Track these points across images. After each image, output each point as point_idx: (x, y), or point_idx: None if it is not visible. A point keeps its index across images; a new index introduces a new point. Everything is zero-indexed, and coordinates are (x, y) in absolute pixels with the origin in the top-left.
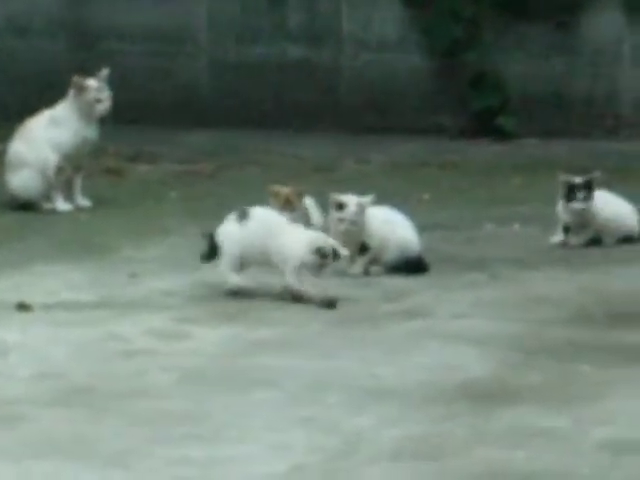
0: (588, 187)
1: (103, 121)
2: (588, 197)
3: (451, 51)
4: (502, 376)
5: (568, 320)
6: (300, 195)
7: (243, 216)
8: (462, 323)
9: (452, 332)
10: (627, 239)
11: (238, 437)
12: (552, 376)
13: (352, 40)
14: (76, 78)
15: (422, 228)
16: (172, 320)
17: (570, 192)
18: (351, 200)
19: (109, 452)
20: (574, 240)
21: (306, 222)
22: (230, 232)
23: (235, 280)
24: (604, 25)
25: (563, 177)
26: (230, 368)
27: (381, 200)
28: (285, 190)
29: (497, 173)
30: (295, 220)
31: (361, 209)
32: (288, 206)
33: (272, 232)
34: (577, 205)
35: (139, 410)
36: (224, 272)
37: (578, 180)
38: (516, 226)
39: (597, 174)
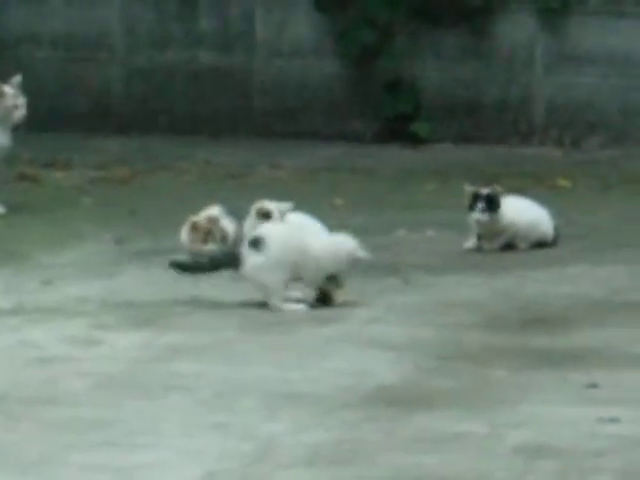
0: (489, 199)
1: (16, 127)
2: (488, 209)
3: (364, 57)
4: (416, 381)
5: (482, 325)
6: (215, 220)
7: (256, 244)
8: (376, 328)
9: (366, 337)
10: (541, 244)
11: (152, 443)
12: (466, 381)
13: (265, 45)
14: None
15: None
16: (86, 326)
17: (472, 202)
18: (274, 208)
19: (23, 459)
20: (487, 245)
21: (223, 238)
22: (259, 263)
23: (294, 307)
24: (517, 30)
25: (467, 187)
26: (144, 374)
27: (295, 206)
28: (202, 221)
29: (411, 178)
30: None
31: (282, 217)
32: (210, 237)
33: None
34: (476, 215)
35: (53, 417)
36: (276, 306)
37: (479, 191)
38: (430, 231)
39: (497, 188)
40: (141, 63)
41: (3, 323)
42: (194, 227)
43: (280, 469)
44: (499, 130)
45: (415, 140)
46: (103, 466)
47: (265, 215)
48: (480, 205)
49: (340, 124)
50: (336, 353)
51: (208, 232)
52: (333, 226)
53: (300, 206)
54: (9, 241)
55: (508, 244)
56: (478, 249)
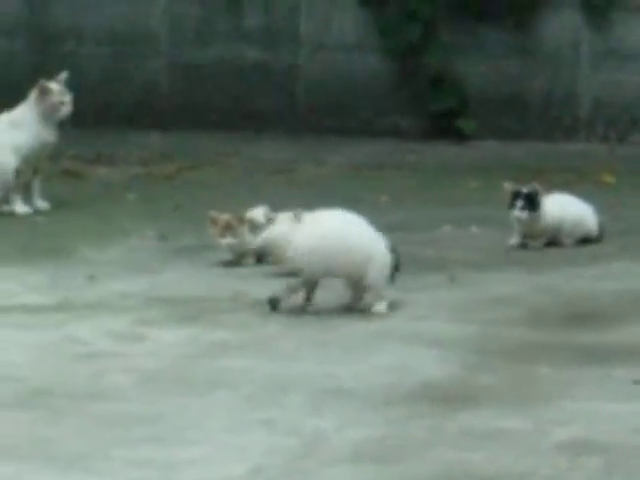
0: (529, 198)
1: (62, 124)
2: (527, 207)
3: (409, 52)
4: (461, 378)
5: (527, 321)
6: (241, 220)
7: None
8: (421, 325)
9: (411, 333)
10: (586, 240)
11: (197, 439)
12: (510, 377)
13: (310, 41)
14: (41, 81)
15: (380, 229)
16: (131, 322)
17: (512, 200)
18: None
19: (69, 454)
20: (532, 242)
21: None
22: None
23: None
24: (562, 26)
25: (507, 185)
26: (189, 370)
27: (340, 202)
28: (224, 216)
29: (455, 175)
30: (235, 246)
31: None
32: (228, 231)
33: None
34: (516, 214)
35: (98, 412)
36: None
37: (519, 189)
38: (474, 228)
39: (536, 186)
40: (186, 59)
41: (49, 319)
42: (213, 221)
43: (325, 465)
44: (544, 126)
45: (460, 136)
46: (148, 461)
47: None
48: (519, 203)
49: (385, 120)
50: (381, 349)
51: (226, 226)
52: (378, 222)
53: (346, 202)
54: (54, 237)
55: (553, 241)
56: (522, 246)
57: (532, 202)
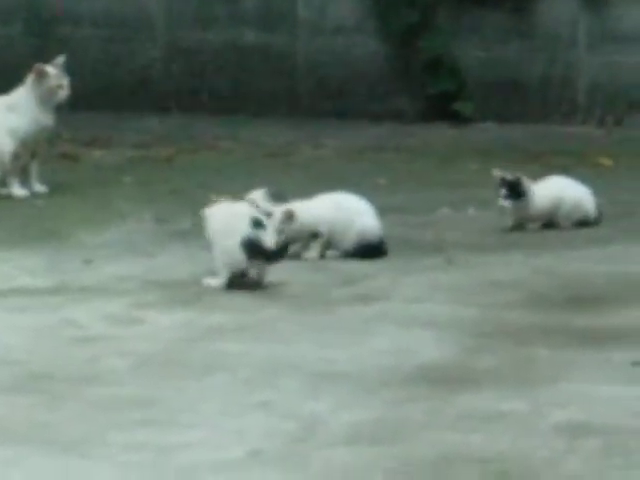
0: (512, 186)
1: (59, 107)
2: (510, 196)
3: (407, 35)
4: (459, 360)
5: (524, 303)
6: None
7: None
8: (418, 307)
9: (408, 316)
10: (583, 223)
11: (194, 422)
12: (509, 359)
13: (308, 24)
14: (37, 65)
15: (378, 212)
16: (127, 306)
17: (498, 188)
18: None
19: (66, 438)
20: (529, 224)
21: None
22: None
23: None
24: (559, 10)
25: (496, 172)
26: (185, 353)
27: (338, 185)
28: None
29: (453, 157)
30: None
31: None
32: None
33: None
34: (499, 202)
35: (95, 396)
36: None
37: (504, 177)
38: (472, 210)
39: (520, 175)
40: (183, 42)
41: (45, 302)
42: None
43: (322, 448)
44: (542, 109)
45: (458, 119)
46: (145, 445)
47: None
48: (502, 191)
49: (383, 103)
50: (378, 332)
51: None
52: (376, 205)
53: (343, 185)
54: (50, 220)
55: (550, 223)
56: (519, 228)
57: (515, 190)
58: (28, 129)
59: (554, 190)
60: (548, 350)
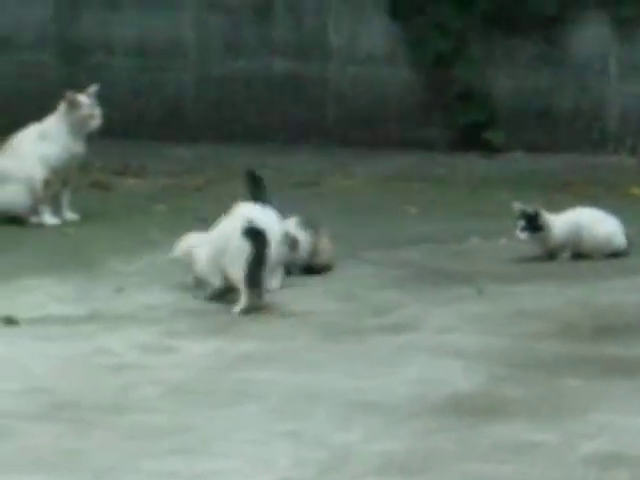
0: (529, 219)
1: (90, 135)
2: (528, 228)
3: (438, 65)
4: (489, 390)
5: (555, 334)
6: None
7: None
8: (448, 337)
9: (438, 346)
10: (614, 254)
11: (224, 451)
12: (539, 390)
13: (339, 53)
14: (69, 93)
15: (409, 241)
16: (158, 334)
17: (516, 220)
18: None
19: (95, 467)
20: (560, 254)
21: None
22: None
23: None
24: (590, 39)
25: (516, 205)
26: (216, 381)
27: (368, 214)
28: None
29: (484, 187)
30: None
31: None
32: None
33: None
34: (516, 234)
35: (125, 424)
36: None
37: (523, 210)
38: (503, 240)
39: (539, 208)
40: (214, 71)
41: (76, 330)
42: None
43: (353, 478)
44: (572, 139)
45: (488, 148)
46: (175, 473)
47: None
48: (520, 224)
49: (413, 132)
50: (408, 362)
51: None
52: (406, 234)
53: (373, 214)
54: (81, 248)
55: (580, 254)
56: (551, 258)
57: (533, 223)
58: (59, 157)
59: (574, 222)
60: (578, 380)
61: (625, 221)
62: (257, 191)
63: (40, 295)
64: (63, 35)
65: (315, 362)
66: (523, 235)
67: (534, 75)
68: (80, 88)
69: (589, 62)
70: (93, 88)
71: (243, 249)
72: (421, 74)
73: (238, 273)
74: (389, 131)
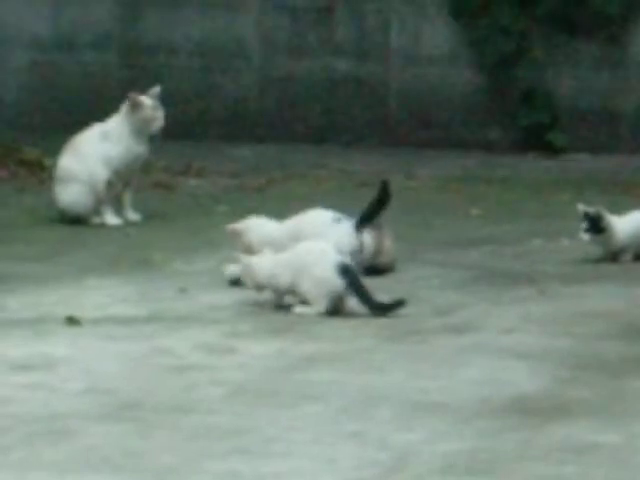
0: (591, 220)
1: (153, 136)
2: (590, 229)
3: (501, 65)
4: (552, 391)
5: (619, 335)
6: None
7: None
8: (512, 338)
9: (501, 347)
10: None
11: (286, 452)
12: (603, 391)
13: (400, 54)
14: (132, 94)
15: (471, 243)
16: (221, 335)
17: (580, 221)
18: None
19: (158, 467)
20: (622, 256)
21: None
22: None
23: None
24: None
25: (580, 206)
26: (279, 382)
27: (430, 215)
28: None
29: (546, 188)
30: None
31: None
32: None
33: None
34: (580, 235)
35: (188, 425)
36: None
37: (587, 211)
38: (565, 241)
39: (601, 209)
40: (277, 72)
41: (139, 331)
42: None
43: (416, 479)
44: (635, 140)
45: (551, 150)
46: (237, 474)
47: None
48: (583, 225)
49: (476, 133)
50: (471, 362)
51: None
52: (468, 235)
53: (435, 215)
54: (144, 249)
55: None
56: (613, 259)
57: (596, 225)
58: (122, 158)
59: (636, 224)
60: None
61: None
62: (378, 205)
63: (103, 296)
64: (125, 36)
65: (378, 363)
66: (586, 236)
67: (596, 76)
68: (142, 89)
69: None
70: (156, 89)
71: (334, 283)
72: (483, 75)
73: (317, 298)
74: (451, 132)
